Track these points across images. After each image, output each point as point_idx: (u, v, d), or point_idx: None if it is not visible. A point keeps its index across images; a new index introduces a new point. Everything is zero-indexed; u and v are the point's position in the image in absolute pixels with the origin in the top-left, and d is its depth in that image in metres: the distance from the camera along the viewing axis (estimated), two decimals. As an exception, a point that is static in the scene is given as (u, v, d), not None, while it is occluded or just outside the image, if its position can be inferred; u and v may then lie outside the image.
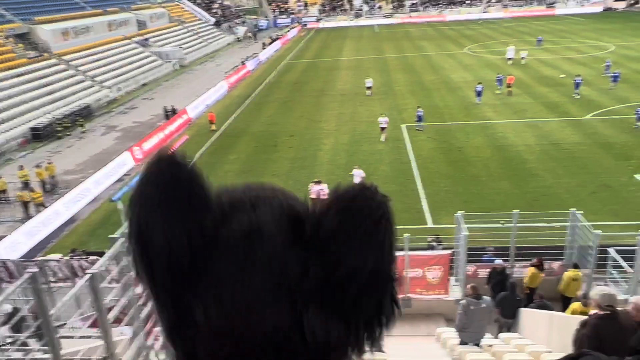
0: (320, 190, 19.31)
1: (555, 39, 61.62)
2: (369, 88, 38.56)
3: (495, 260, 13.21)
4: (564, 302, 12.27)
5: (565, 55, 50.10)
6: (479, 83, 35.91)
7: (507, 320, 11.76)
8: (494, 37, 66.15)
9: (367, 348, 0.70)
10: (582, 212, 13.25)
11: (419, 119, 29.97)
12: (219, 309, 0.64)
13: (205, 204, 0.69)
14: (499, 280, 12.76)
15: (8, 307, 8.51)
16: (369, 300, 0.66)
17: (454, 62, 50.68)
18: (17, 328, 5.82)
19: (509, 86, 36.41)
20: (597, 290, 5.71)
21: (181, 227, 0.65)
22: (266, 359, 0.65)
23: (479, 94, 34.80)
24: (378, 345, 0.71)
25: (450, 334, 11.56)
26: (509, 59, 45.99)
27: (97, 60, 47.88)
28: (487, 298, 9.75)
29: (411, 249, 13.20)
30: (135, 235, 0.67)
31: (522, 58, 44.54)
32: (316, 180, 20.07)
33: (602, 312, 5.39)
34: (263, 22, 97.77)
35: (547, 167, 23.45)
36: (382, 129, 27.29)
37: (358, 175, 20.90)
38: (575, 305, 10.09)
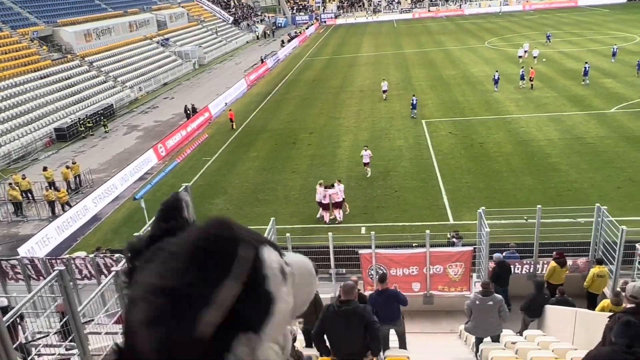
0: (326, 192, 19.11)
1: (578, 30, 60.45)
2: (384, 92, 36.58)
3: (497, 254, 13.01)
4: (589, 299, 12.07)
5: (589, 47, 49.13)
6: (496, 71, 37.78)
7: (532, 319, 11.61)
8: (515, 30, 65.18)
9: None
10: (607, 207, 12.99)
11: (413, 106, 31.95)
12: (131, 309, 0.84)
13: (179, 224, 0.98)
14: (497, 273, 12.61)
15: (4, 300, 8.67)
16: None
17: (474, 56, 50.11)
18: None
19: (530, 79, 35.94)
20: (632, 285, 5.60)
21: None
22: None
23: (496, 82, 36.62)
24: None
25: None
26: (520, 57, 44.77)
27: (119, 60, 48.57)
28: (497, 295, 9.61)
29: (432, 246, 13.11)
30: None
31: (535, 57, 43.10)
32: (326, 184, 19.65)
33: (630, 306, 5.30)
34: (281, 20, 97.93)
35: (571, 162, 23.05)
36: (365, 163, 23.33)
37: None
38: (605, 302, 9.91)
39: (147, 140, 32.06)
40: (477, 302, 9.52)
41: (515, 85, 37.07)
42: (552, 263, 12.49)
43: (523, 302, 11.62)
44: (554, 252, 12.72)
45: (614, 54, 40.65)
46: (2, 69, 36.67)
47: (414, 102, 32.22)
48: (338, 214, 19.53)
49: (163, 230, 0.90)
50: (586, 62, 37.23)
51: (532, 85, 35.79)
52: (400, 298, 9.13)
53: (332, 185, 19.43)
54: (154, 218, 0.96)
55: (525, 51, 44.95)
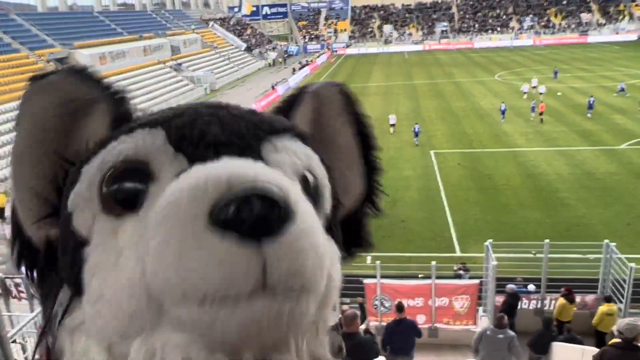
0: None
1: (588, 66, 60.83)
2: (392, 125, 35.15)
3: (510, 285, 12.86)
4: (597, 337, 11.82)
5: (599, 84, 49.31)
6: (503, 102, 38.15)
7: (539, 356, 11.38)
8: (525, 65, 65.69)
9: None
10: (616, 244, 12.83)
11: (416, 134, 32.49)
12: None
13: None
14: (509, 305, 12.43)
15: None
16: None
17: (484, 88, 50.43)
18: None
19: (540, 114, 36.05)
20: (622, 321, 5.52)
21: None
22: None
23: (503, 113, 36.95)
24: None
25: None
26: (525, 92, 43.82)
27: (132, 83, 49.34)
28: (509, 331, 9.44)
29: (438, 277, 12.96)
30: None
31: (541, 93, 42.10)
32: None
33: (619, 341, 5.22)
34: (293, 48, 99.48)
35: (580, 197, 22.90)
36: None
37: None
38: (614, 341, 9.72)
39: (157, 163, 32.24)
40: (488, 333, 9.31)
41: (524, 118, 37.17)
42: (561, 300, 12.29)
43: (530, 338, 11.41)
44: (562, 289, 12.55)
45: (622, 90, 39.92)
46: (19, 89, 37.27)
47: (417, 129, 32.71)
48: None
49: None
50: (591, 96, 37.53)
51: (541, 119, 35.86)
52: (417, 330, 9.01)
53: None
54: None
55: (534, 87, 44.51)
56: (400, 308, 9.17)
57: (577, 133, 32.97)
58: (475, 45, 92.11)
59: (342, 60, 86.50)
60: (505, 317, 9.90)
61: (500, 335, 9.23)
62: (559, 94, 44.45)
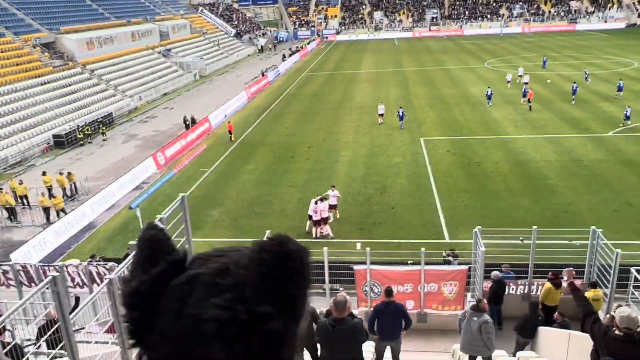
0: (316, 207, 19.17)
1: (577, 54, 61.10)
2: (381, 115, 34.70)
3: (495, 272, 13.01)
4: (583, 322, 11.99)
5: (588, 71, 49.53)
6: (489, 87, 39.34)
7: (527, 340, 11.55)
8: (514, 52, 65.82)
9: None
10: (602, 230, 12.99)
11: (400, 117, 33.28)
12: (162, 343, 0.79)
13: (163, 259, 0.86)
14: (494, 291, 12.59)
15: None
16: (249, 345, 0.76)
17: (474, 76, 50.53)
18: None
19: (529, 101, 36.26)
20: (619, 311, 5.60)
21: (136, 276, 0.85)
22: None
23: (489, 97, 38.19)
24: None
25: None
26: (508, 81, 43.92)
27: (120, 69, 48.78)
28: (485, 316, 9.54)
29: (427, 264, 13.07)
30: (121, 281, 0.92)
31: (525, 83, 41.77)
32: (318, 199, 19.73)
33: (619, 333, 5.30)
34: (283, 34, 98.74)
35: (568, 184, 23.12)
36: (332, 206, 21.12)
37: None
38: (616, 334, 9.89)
39: (145, 150, 32.05)
40: (467, 316, 9.49)
41: (514, 106, 37.38)
42: (547, 284, 12.45)
43: (516, 322, 11.57)
44: (549, 273, 12.70)
45: (620, 89, 38.59)
46: (4, 74, 36.76)
47: (401, 113, 33.41)
48: (327, 230, 19.46)
49: (155, 277, 0.84)
50: (574, 82, 38.94)
51: (530, 106, 36.07)
52: (406, 315, 9.08)
53: (322, 200, 19.42)
54: (134, 261, 0.89)
55: (520, 76, 44.46)
56: (389, 292, 9.27)
57: (565, 121, 33.20)
58: (465, 32, 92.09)
59: (333, 46, 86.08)
60: (484, 301, 10.03)
61: (475, 318, 9.34)
62: (548, 81, 44.67)
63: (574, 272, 11.05)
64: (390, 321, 8.83)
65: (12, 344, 5.08)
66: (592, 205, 20.95)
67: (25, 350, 6.28)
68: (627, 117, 31.24)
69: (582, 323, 5.57)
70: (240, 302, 0.76)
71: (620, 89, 38.40)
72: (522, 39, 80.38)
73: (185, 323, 0.76)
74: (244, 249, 0.85)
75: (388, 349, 9.59)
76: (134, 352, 5.57)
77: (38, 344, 4.49)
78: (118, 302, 4.99)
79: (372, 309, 9.94)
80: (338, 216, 20.61)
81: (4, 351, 3.49)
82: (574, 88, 37.83)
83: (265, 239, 0.83)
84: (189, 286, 0.79)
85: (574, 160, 26.02)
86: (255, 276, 0.78)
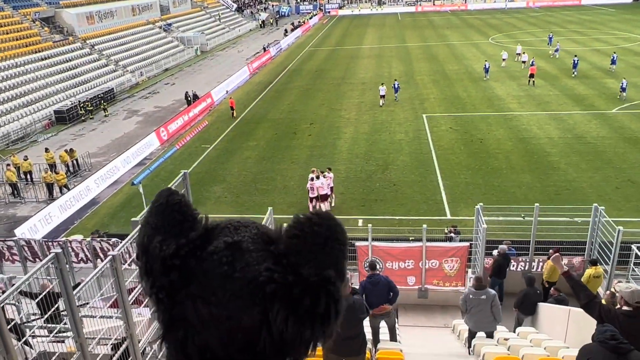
0: (313, 184, 19.12)
1: (582, 29, 60.27)
2: (382, 97, 33.19)
3: (502, 245, 13.10)
4: (583, 298, 12.10)
5: (593, 47, 48.98)
6: (486, 61, 40.12)
7: (526, 316, 11.67)
8: (519, 27, 64.94)
9: (319, 341, 0.86)
10: (604, 207, 13.01)
11: (396, 90, 34.03)
12: (205, 304, 0.82)
13: (191, 224, 0.90)
14: (499, 264, 12.70)
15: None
16: (307, 303, 0.82)
17: (478, 51, 49.96)
18: None
19: (531, 76, 36.01)
20: (624, 287, 5.62)
21: (171, 239, 0.87)
22: (242, 351, 0.82)
23: (486, 70, 38.83)
24: (328, 339, 0.87)
25: (466, 326, 11.53)
26: (504, 59, 42.78)
27: (121, 44, 48.33)
28: (490, 290, 9.70)
29: (429, 240, 13.13)
30: (140, 246, 0.90)
31: (523, 62, 41.17)
32: (316, 172, 19.71)
33: (628, 309, 5.33)
34: (285, 9, 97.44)
35: (570, 161, 23.06)
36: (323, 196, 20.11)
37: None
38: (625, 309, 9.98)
39: (147, 126, 31.98)
40: (471, 297, 9.57)
41: (518, 82, 37.07)
42: (550, 262, 12.52)
43: (516, 299, 11.67)
44: (550, 250, 12.76)
45: (613, 62, 39.09)
46: (3, 49, 36.46)
47: (396, 85, 34.26)
48: (324, 206, 19.47)
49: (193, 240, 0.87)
50: (575, 56, 39.34)
51: (533, 82, 35.82)
52: (391, 286, 9.13)
53: (319, 177, 19.40)
54: (156, 225, 0.90)
55: (518, 54, 43.50)
56: (372, 266, 9.41)
57: (569, 97, 32.94)
58: (469, 7, 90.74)
59: (335, 21, 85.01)
60: (483, 279, 10.17)
61: (483, 296, 9.45)
62: (552, 54, 44.29)
63: (560, 257, 11.02)
64: (377, 293, 8.91)
65: (15, 321, 5.14)
66: (594, 182, 20.92)
67: (31, 324, 6.37)
68: (623, 89, 31.73)
69: (585, 309, 5.59)
70: (298, 267, 0.82)
71: (613, 62, 38.80)
72: (528, 13, 79.19)
73: (237, 286, 0.81)
74: (250, 222, 0.92)
75: (383, 324, 9.70)
76: (138, 326, 5.64)
77: (44, 317, 4.56)
78: (121, 277, 5.04)
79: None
80: (333, 204, 19.92)
81: (9, 327, 3.54)
82: (575, 62, 38.13)
83: (308, 215, 0.88)
84: (231, 252, 0.84)
85: (577, 137, 25.88)
86: (311, 245, 0.84)
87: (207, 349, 0.82)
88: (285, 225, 0.88)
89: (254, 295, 0.80)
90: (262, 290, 0.80)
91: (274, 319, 0.80)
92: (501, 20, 72.27)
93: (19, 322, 5.78)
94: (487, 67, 38.92)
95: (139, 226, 0.94)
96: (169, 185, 7.22)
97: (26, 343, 5.72)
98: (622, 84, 31.87)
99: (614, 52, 39.77)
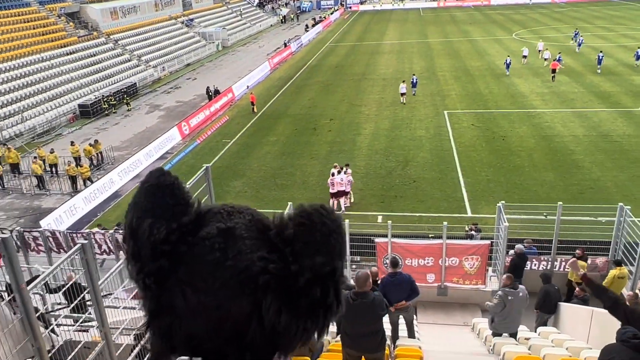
0: (333, 179, 19.13)
1: (610, 25, 59.00)
2: (403, 94, 32.59)
3: (519, 245, 12.92)
4: (606, 299, 11.90)
5: (620, 43, 47.91)
6: (508, 56, 39.58)
7: (548, 315, 11.51)
8: (544, 23, 63.86)
9: (314, 336, 0.84)
10: (630, 207, 12.75)
11: (413, 85, 34.09)
12: (194, 292, 0.79)
13: (183, 208, 0.86)
14: (515, 265, 12.52)
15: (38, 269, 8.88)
16: (315, 294, 0.80)
17: (501, 47, 49.25)
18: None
19: (553, 71, 35.57)
20: None
21: (162, 222, 0.83)
22: (230, 341, 0.79)
23: (507, 66, 38.41)
24: (325, 333, 0.85)
25: (486, 324, 11.42)
26: (524, 56, 41.78)
27: (144, 39, 48.86)
28: (522, 287, 9.58)
29: (449, 238, 13.03)
30: (128, 228, 0.86)
31: (545, 59, 39.97)
32: (338, 167, 19.79)
33: None
34: (306, 4, 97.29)
35: (595, 159, 22.63)
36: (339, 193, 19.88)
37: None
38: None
39: (169, 120, 32.31)
40: (510, 297, 9.36)
41: (542, 79, 36.49)
42: (580, 262, 12.34)
43: (537, 300, 11.50)
44: (577, 250, 12.59)
45: (638, 57, 38.30)
46: (29, 44, 37.17)
47: (414, 80, 34.44)
48: (343, 202, 19.47)
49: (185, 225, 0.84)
50: (600, 51, 38.77)
51: (553, 77, 35.48)
52: (413, 285, 9.09)
53: (340, 171, 19.42)
54: (147, 207, 0.86)
55: (540, 50, 42.77)
56: (394, 263, 9.33)
57: (594, 94, 32.30)
58: (492, 1, 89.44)
59: (356, 16, 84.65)
60: (512, 276, 10.02)
61: (522, 294, 9.35)
62: (575, 48, 43.54)
63: (577, 262, 10.65)
64: (398, 292, 8.87)
65: (40, 311, 5.25)
66: (619, 181, 20.51)
67: (57, 313, 6.50)
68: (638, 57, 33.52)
69: (610, 311, 5.50)
70: (303, 257, 0.79)
71: (638, 57, 38.18)
72: (552, 8, 77.81)
73: (228, 275, 0.78)
74: (245, 207, 0.89)
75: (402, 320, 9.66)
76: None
77: (71, 306, 4.66)
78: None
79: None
80: (348, 204, 19.73)
81: (37, 315, 3.62)
82: (600, 57, 37.57)
83: (315, 205, 0.85)
84: (223, 238, 0.81)
85: (602, 135, 25.39)
86: (320, 236, 0.81)
87: (193, 338, 0.80)
88: (284, 213, 0.86)
89: (245, 285, 0.77)
90: (254, 281, 0.78)
91: (266, 310, 0.77)
92: (525, 16, 71.14)
93: (43, 311, 5.90)
94: (508, 62, 38.49)
95: (127, 209, 0.89)
96: (191, 180, 7.30)
97: (52, 331, 5.84)
98: (637, 52, 32.43)
99: (639, 47, 38.84)
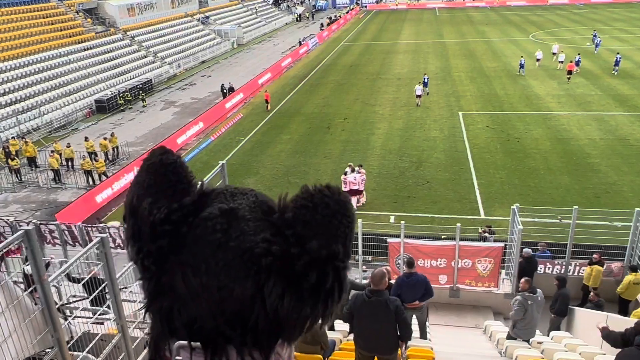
0: (346, 178, 19.15)
1: (629, 27, 58.22)
2: (418, 97, 32.09)
3: (526, 249, 12.79)
4: (621, 305, 11.80)
5: (638, 46, 47.26)
6: (522, 56, 39.86)
7: (560, 318, 11.42)
8: (561, 24, 63.20)
9: (317, 321, 0.81)
10: (647, 212, 12.59)
11: (425, 84, 34.10)
12: (196, 274, 0.76)
13: (185, 187, 0.84)
14: (524, 268, 12.39)
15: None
16: (317, 277, 0.77)
17: (517, 49, 48.82)
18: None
19: (569, 72, 35.38)
20: None
21: (163, 202, 0.81)
22: (232, 324, 0.77)
23: (521, 66, 38.46)
24: (327, 320, 0.82)
25: (498, 327, 11.37)
26: (538, 59, 40.64)
27: (160, 36, 49.21)
28: (540, 290, 9.50)
29: (462, 239, 12.97)
30: (128, 206, 0.84)
31: (560, 62, 39.10)
32: (353, 166, 19.84)
33: None
34: (322, 3, 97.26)
35: (611, 163, 22.37)
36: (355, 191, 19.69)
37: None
38: (638, 313, 9.69)
39: (184, 117, 32.52)
40: (530, 302, 9.29)
41: (558, 81, 36.13)
42: (596, 267, 12.23)
43: (551, 303, 11.41)
44: (594, 255, 12.47)
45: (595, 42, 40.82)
46: (48, 40, 37.61)
47: (425, 80, 34.63)
48: (356, 201, 19.49)
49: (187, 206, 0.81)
50: (618, 53, 38.55)
51: (569, 78, 35.58)
52: (428, 286, 9.08)
53: (353, 170, 19.43)
54: (148, 185, 0.84)
55: (554, 53, 41.78)
56: (410, 264, 9.30)
57: (612, 97, 31.92)
58: (508, 2, 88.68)
59: (372, 15, 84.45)
60: (530, 280, 9.92)
61: (540, 298, 9.30)
62: (587, 44, 43.38)
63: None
64: (413, 292, 8.86)
65: (58, 304, 5.34)
66: (635, 186, 20.26)
67: (73, 305, 6.60)
68: None
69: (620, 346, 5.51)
70: (304, 239, 0.77)
71: None
72: (570, 10, 76.97)
73: (230, 256, 0.76)
74: (249, 189, 0.87)
75: (415, 321, 9.64)
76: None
77: (90, 298, 4.73)
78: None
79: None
80: (361, 204, 19.63)
81: (57, 306, 3.69)
82: (618, 59, 37.42)
83: (319, 186, 0.82)
84: (226, 219, 0.79)
85: (619, 139, 25.09)
86: (320, 217, 0.78)
87: (195, 321, 0.77)
88: (288, 195, 0.83)
89: (248, 266, 0.75)
90: (257, 263, 0.75)
91: (268, 293, 0.75)
92: (542, 17, 70.46)
93: (59, 303, 6.00)
94: (522, 63, 38.49)
95: (129, 187, 0.86)
96: (207, 176, 7.34)
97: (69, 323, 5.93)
98: None
99: None
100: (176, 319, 0.78)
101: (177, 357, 0.79)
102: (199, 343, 0.78)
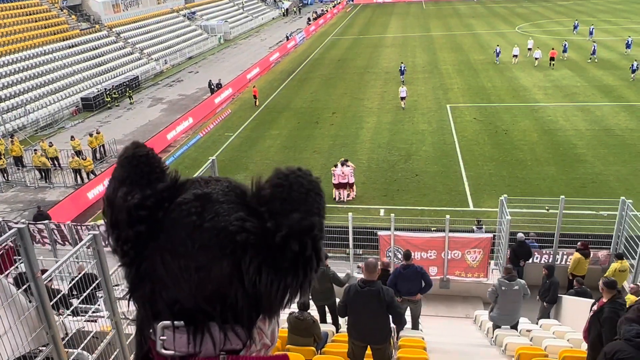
0: (334, 170, 19.26)
1: (613, 18, 58.75)
2: (403, 99, 30.41)
3: (520, 234, 12.97)
4: (607, 292, 11.97)
5: (623, 37, 47.66)
6: (497, 45, 41.56)
7: (551, 306, 11.59)
8: (547, 16, 63.62)
9: (297, 292, 0.84)
10: (632, 201, 12.80)
11: (402, 72, 35.34)
12: (174, 257, 0.80)
13: (159, 176, 0.89)
14: (515, 251, 12.53)
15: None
16: (293, 249, 0.80)
17: (504, 41, 49.04)
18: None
19: (552, 59, 36.23)
20: None
21: (137, 191, 0.86)
22: (213, 303, 0.80)
23: (497, 54, 40.15)
24: (306, 291, 0.86)
25: (487, 317, 11.52)
26: (515, 55, 39.66)
27: (146, 32, 48.82)
28: (520, 281, 9.66)
29: (452, 231, 13.10)
30: (106, 198, 0.89)
31: (536, 58, 38.38)
32: (342, 160, 19.90)
33: None
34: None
35: (597, 154, 22.66)
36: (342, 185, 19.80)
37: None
38: (631, 297, 9.86)
39: (171, 113, 32.36)
40: (504, 288, 9.47)
41: (545, 73, 36.41)
42: (577, 254, 12.41)
43: (542, 290, 11.57)
44: (578, 243, 12.65)
45: (628, 46, 40.62)
46: (32, 37, 37.16)
47: (402, 68, 35.95)
48: (346, 194, 19.61)
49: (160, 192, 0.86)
50: (594, 41, 40.73)
51: (552, 64, 36.75)
52: (426, 277, 9.19)
53: (343, 164, 19.50)
54: (123, 177, 0.89)
55: (529, 49, 41.18)
56: (407, 256, 9.41)
57: (597, 88, 32.27)
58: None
59: (359, 9, 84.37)
60: (514, 269, 10.09)
61: (516, 287, 9.43)
62: (588, 38, 43.67)
63: None
64: (409, 284, 8.96)
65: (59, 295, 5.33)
66: (621, 175, 20.56)
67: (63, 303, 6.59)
68: (633, 71, 33.36)
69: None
70: (282, 214, 0.81)
71: (628, 46, 40.34)
72: (555, 2, 77.43)
73: (206, 236, 0.79)
74: (223, 177, 0.92)
75: (408, 312, 9.76)
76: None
77: (81, 298, 4.75)
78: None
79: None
80: (351, 198, 19.79)
81: (52, 303, 3.71)
82: (594, 48, 39.01)
83: (292, 168, 0.87)
84: (200, 203, 0.83)
85: (604, 129, 25.40)
86: (296, 194, 0.84)
87: (176, 302, 0.80)
88: (261, 177, 0.88)
89: (224, 245, 0.79)
90: (232, 241, 0.79)
91: (246, 268, 0.78)
92: (528, 9, 70.85)
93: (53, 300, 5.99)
94: (498, 51, 40.03)
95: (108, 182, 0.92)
96: (197, 173, 7.36)
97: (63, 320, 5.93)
98: (633, 65, 33.25)
99: (629, 36, 41.53)
100: (158, 301, 0.81)
101: (161, 337, 0.82)
102: (182, 322, 0.81)
